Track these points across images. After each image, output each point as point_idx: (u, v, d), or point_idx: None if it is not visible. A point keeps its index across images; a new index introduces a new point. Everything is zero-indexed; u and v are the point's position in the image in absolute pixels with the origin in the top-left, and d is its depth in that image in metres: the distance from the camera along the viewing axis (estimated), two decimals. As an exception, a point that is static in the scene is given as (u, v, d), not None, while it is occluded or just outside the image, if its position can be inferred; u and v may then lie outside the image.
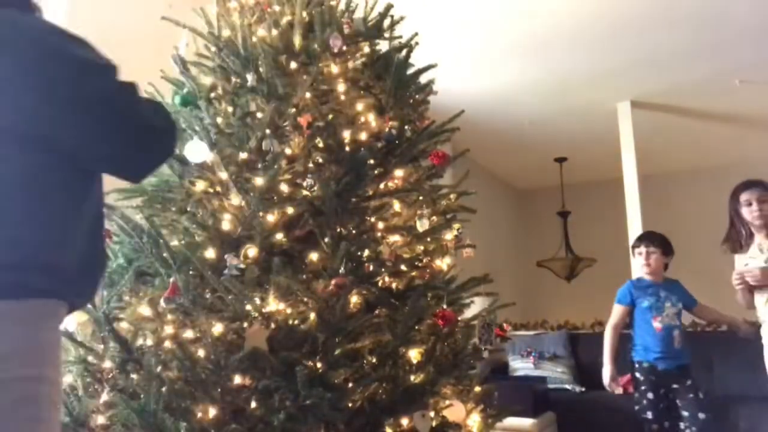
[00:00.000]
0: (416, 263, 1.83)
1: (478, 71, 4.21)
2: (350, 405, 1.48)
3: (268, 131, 1.74)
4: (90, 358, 1.57)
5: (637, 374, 3.04)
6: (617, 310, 3.16)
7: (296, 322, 1.53)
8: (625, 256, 3.91)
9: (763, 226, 2.55)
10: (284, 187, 1.70)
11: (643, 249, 3.14)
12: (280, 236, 1.65)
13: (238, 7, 2.09)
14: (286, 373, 1.43)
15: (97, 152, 1.02)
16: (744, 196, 2.57)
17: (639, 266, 3.18)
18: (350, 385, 1.51)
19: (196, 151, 1.65)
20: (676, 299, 3.08)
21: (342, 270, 1.57)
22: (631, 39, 3.81)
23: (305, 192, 1.71)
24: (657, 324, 3.01)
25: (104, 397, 1.47)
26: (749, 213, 2.55)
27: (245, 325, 1.46)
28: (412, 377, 1.61)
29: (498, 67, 4.18)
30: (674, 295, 3.09)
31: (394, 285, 1.75)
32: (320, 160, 1.79)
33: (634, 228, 4.56)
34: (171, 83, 1.93)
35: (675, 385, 2.94)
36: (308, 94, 1.83)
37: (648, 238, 3.21)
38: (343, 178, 1.71)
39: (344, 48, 1.94)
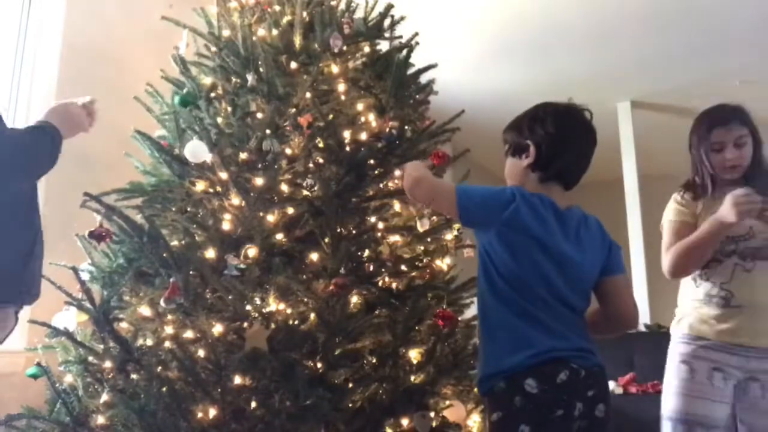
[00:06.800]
0: (416, 263, 1.83)
1: (478, 71, 4.21)
2: (350, 405, 1.48)
3: (268, 131, 1.74)
4: (90, 358, 1.57)
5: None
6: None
7: (296, 322, 1.53)
8: (626, 256, 3.89)
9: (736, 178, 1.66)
10: (284, 187, 1.70)
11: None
12: (280, 236, 1.64)
13: (238, 7, 2.09)
14: (286, 373, 1.43)
15: None
16: (716, 136, 1.69)
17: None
18: (350, 385, 1.50)
19: (196, 151, 1.65)
20: None
21: (342, 270, 1.57)
22: (631, 39, 3.81)
23: (305, 192, 1.71)
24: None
25: (104, 397, 1.47)
26: (719, 161, 1.68)
27: (245, 325, 1.46)
28: (413, 377, 1.60)
29: (498, 67, 4.18)
30: None
31: (394, 285, 1.75)
32: (320, 160, 1.78)
33: (634, 228, 4.55)
34: (171, 83, 1.93)
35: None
36: (308, 94, 1.83)
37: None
38: (344, 178, 1.71)
39: (344, 48, 1.94)
